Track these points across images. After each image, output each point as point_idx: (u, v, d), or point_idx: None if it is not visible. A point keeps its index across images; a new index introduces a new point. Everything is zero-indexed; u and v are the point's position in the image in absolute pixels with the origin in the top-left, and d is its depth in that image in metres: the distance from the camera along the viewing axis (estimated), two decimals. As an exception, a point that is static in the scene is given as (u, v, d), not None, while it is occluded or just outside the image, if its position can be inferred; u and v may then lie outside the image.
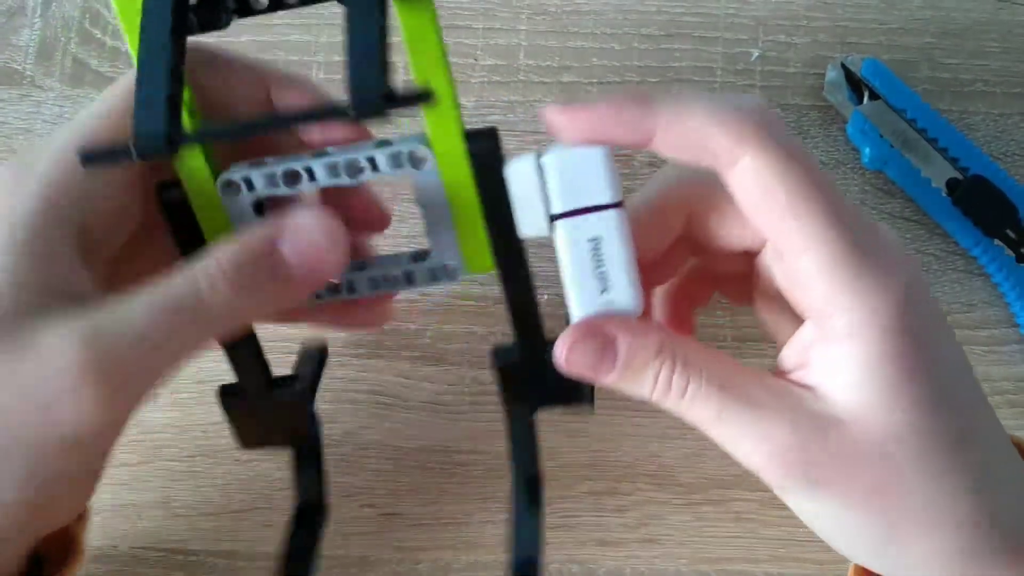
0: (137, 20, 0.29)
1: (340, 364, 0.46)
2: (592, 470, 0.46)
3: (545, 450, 0.46)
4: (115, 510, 0.46)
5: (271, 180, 0.31)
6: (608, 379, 0.29)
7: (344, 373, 0.46)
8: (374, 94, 0.26)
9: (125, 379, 0.27)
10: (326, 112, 0.28)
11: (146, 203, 0.31)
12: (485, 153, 0.30)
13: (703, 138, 0.27)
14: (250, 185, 0.31)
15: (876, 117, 0.45)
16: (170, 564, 0.46)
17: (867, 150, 0.45)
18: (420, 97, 0.27)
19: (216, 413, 0.44)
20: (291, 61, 0.47)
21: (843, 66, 0.45)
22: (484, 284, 0.46)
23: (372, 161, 0.30)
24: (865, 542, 0.29)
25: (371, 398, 0.46)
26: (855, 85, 0.45)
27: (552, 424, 0.46)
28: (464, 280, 0.46)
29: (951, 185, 0.45)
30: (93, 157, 0.28)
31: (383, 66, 0.26)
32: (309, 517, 0.39)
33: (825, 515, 0.30)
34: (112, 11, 0.48)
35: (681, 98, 0.27)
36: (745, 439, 0.28)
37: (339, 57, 0.47)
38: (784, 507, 0.30)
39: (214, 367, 0.46)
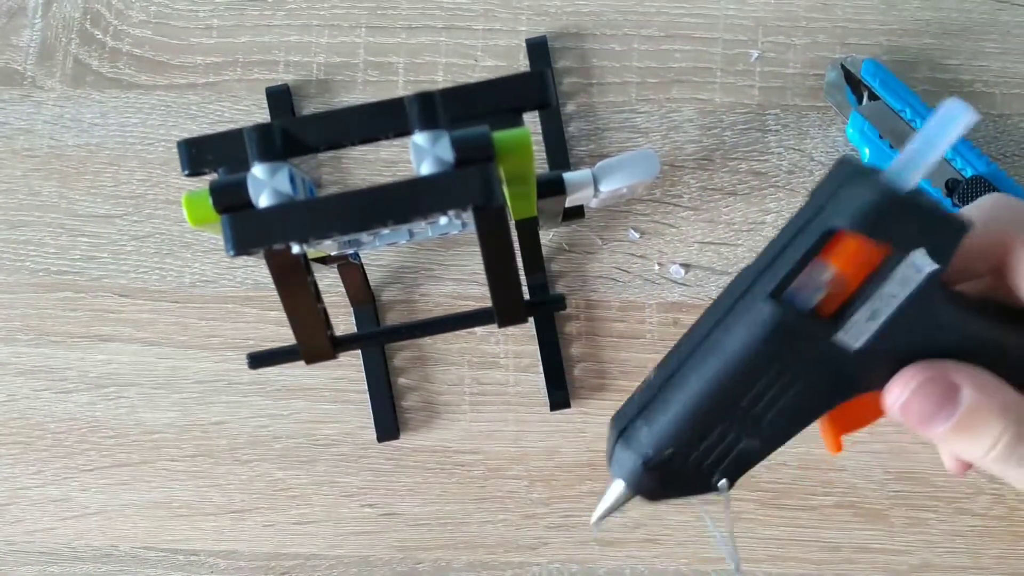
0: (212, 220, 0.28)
1: (339, 364, 0.46)
2: (592, 470, 0.46)
3: (545, 450, 0.46)
4: (115, 510, 0.46)
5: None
6: (938, 431, 0.25)
7: (343, 373, 0.46)
8: (517, 311, 0.31)
9: None
10: (479, 319, 0.34)
11: None
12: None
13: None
14: None
15: (875, 118, 0.45)
16: (170, 564, 0.46)
17: (867, 151, 0.45)
18: (554, 303, 0.32)
19: (216, 413, 0.44)
20: (291, 61, 0.47)
21: (843, 67, 0.45)
22: (483, 285, 0.46)
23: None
24: None
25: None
26: (855, 86, 0.45)
27: (552, 424, 0.46)
28: (464, 281, 0.47)
29: (951, 185, 0.45)
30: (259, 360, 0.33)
31: (518, 285, 0.31)
32: None
33: None
34: (112, 12, 0.48)
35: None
36: None
37: (339, 58, 0.47)
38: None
39: (214, 367, 0.46)
